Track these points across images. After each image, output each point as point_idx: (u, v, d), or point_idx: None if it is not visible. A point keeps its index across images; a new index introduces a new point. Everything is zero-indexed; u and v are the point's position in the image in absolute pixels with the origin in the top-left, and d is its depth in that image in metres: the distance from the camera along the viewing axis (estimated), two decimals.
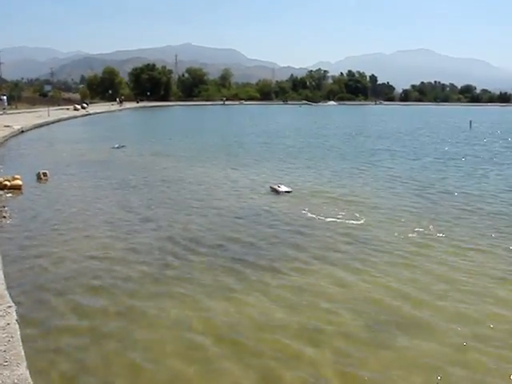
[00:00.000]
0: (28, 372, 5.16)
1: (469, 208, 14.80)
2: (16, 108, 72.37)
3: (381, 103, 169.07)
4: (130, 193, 16.85)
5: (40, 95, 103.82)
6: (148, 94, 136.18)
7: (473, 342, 6.91)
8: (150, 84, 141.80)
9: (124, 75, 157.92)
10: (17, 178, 17.40)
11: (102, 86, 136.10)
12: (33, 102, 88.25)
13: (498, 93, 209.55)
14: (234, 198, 16.23)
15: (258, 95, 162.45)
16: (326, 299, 8.23)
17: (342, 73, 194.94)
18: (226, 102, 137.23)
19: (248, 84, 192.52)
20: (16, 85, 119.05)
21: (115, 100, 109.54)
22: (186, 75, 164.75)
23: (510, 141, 39.16)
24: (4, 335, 5.86)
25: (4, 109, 59.07)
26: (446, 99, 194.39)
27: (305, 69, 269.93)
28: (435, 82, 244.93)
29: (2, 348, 5.57)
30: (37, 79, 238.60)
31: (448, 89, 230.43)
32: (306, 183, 19.02)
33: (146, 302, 8.10)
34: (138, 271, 9.46)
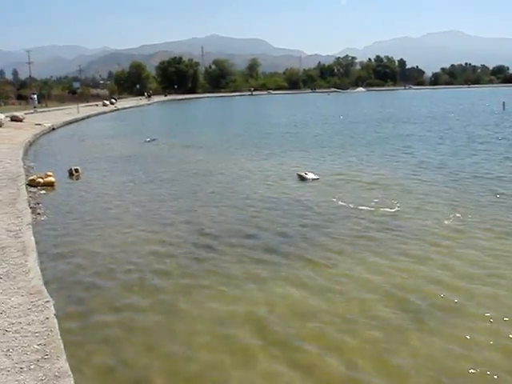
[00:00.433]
0: (67, 365, 5.25)
1: (502, 192, 14.52)
2: (46, 106, 73.35)
3: (410, 88, 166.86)
4: (162, 186, 16.96)
5: (69, 92, 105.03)
6: (175, 86, 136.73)
7: (508, 327, 6.82)
8: (177, 77, 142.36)
9: (151, 69, 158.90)
10: (49, 175, 17.66)
11: (130, 80, 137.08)
12: (62, 100, 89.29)
13: None
14: (263, 187, 16.29)
15: (285, 84, 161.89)
16: (360, 287, 8.19)
17: (369, 58, 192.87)
18: (254, 93, 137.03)
19: (275, 73, 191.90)
20: (45, 83, 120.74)
21: (143, 94, 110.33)
22: (213, 67, 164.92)
23: None
24: (43, 329, 5.97)
25: (35, 107, 59.95)
26: (477, 81, 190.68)
27: (332, 56, 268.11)
28: (466, 63, 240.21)
29: (42, 342, 5.68)
30: (65, 77, 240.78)
31: (479, 70, 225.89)
32: (334, 170, 18.98)
33: (180, 295, 8.15)
34: (171, 265, 9.52)
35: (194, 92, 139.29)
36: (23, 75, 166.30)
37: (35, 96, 63.69)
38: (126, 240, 11.14)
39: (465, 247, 9.94)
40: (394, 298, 7.77)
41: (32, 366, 5.20)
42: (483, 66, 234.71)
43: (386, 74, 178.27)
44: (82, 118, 53.11)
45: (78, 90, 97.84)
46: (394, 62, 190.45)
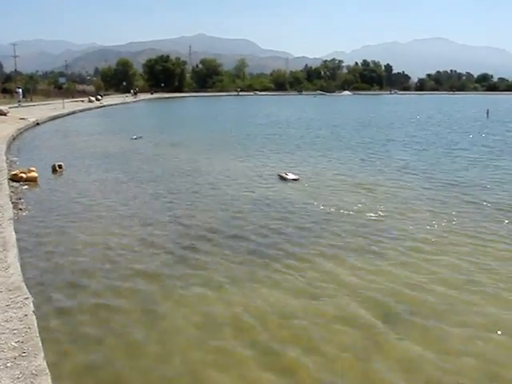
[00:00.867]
0: (45, 362, 5.21)
1: (482, 199, 14.60)
2: (31, 100, 72.66)
3: (396, 93, 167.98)
4: (145, 184, 16.88)
5: (55, 87, 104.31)
6: (162, 85, 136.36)
7: (487, 332, 6.88)
8: (164, 75, 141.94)
9: (138, 67, 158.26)
10: (32, 171, 17.52)
11: (116, 77, 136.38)
12: (48, 95, 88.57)
13: None
14: (244, 188, 16.36)
15: (272, 86, 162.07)
16: (338, 290, 8.21)
17: (356, 62, 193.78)
18: (240, 93, 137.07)
19: (262, 74, 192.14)
20: (31, 77, 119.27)
21: (129, 92, 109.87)
22: (200, 66, 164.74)
23: None
24: (22, 326, 5.92)
25: (19, 101, 59.37)
26: (462, 88, 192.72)
27: (319, 59, 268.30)
28: (451, 70, 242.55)
29: (20, 339, 5.63)
30: (51, 72, 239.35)
31: (464, 78, 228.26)
32: (314, 172, 19.16)
33: (160, 295, 8.13)
34: (153, 263, 9.50)
35: (180, 91, 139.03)
36: (8, 69, 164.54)
37: (20, 90, 63.04)
38: (108, 238, 11.07)
39: (444, 253, 9.98)
40: (372, 301, 7.79)
41: (9, 364, 5.15)
42: (468, 73, 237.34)
43: (372, 78, 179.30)
44: (68, 114, 52.75)
45: (64, 86, 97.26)
46: (380, 66, 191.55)
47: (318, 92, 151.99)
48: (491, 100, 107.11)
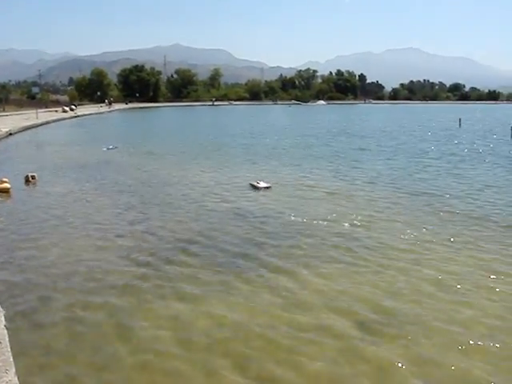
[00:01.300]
0: (17, 378, 5.12)
1: (453, 207, 14.77)
2: (3, 110, 71.84)
3: (370, 102, 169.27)
4: (119, 195, 16.78)
5: (28, 97, 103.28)
6: (137, 95, 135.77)
7: (460, 339, 6.94)
8: (139, 85, 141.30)
9: (113, 76, 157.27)
10: (5, 182, 17.31)
11: (91, 87, 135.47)
12: (20, 105, 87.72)
13: (486, 91, 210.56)
14: (217, 197, 16.53)
15: (247, 95, 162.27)
16: (311, 299, 8.24)
17: (331, 72, 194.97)
18: (216, 103, 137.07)
19: (237, 84, 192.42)
20: (3, 87, 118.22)
21: (104, 102, 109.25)
22: (175, 76, 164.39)
23: (495, 138, 39.18)
24: None
25: None
26: (435, 97, 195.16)
27: (294, 68, 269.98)
28: (424, 80, 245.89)
29: None
30: (24, 81, 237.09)
31: (437, 87, 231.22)
32: (286, 181, 19.45)
33: (130, 308, 8.06)
34: (126, 274, 9.44)
35: (155, 101, 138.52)
36: None
37: None
38: (82, 248, 10.98)
39: (417, 262, 10.07)
40: (345, 310, 7.84)
41: None
42: (441, 83, 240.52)
43: (346, 87, 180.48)
44: (41, 124, 52.26)
45: (38, 96, 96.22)
46: (354, 76, 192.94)
47: (293, 102, 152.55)
48: (463, 109, 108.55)
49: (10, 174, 19.09)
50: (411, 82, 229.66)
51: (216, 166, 23.63)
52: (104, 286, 8.90)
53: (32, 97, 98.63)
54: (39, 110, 65.03)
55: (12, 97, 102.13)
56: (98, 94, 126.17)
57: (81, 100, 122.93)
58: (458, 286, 8.74)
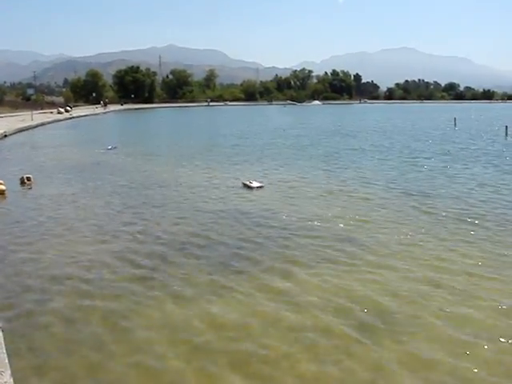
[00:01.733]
0: (12, 380, 5.13)
1: (443, 209, 14.76)
2: None
3: (365, 102, 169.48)
4: (115, 196, 16.80)
5: (23, 99, 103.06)
6: (132, 96, 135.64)
7: (455, 339, 7.00)
8: (134, 86, 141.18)
9: (108, 78, 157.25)
10: (0, 183, 17.29)
11: (86, 88, 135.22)
12: (15, 106, 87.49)
13: (481, 90, 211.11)
14: (211, 196, 16.74)
15: (242, 96, 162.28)
16: (305, 299, 8.28)
17: (326, 72, 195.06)
18: (211, 103, 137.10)
19: (232, 85, 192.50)
20: None
21: (99, 103, 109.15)
22: (171, 77, 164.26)
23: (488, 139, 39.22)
24: None
25: None
26: (430, 97, 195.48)
27: (289, 69, 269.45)
28: (419, 80, 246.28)
29: None
30: (19, 83, 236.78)
31: (432, 87, 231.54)
32: (279, 180, 19.66)
33: (126, 311, 8.06)
34: (122, 275, 9.47)
35: (150, 101, 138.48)
36: None
37: None
38: (78, 250, 11.00)
39: (411, 262, 10.13)
40: (341, 310, 7.89)
41: None
42: (436, 82, 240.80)
43: (341, 87, 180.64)
44: (36, 126, 52.19)
45: (33, 97, 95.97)
46: (349, 76, 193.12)
47: (288, 102, 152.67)
48: (458, 108, 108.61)
49: (5, 176, 19.07)
50: (406, 81, 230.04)
51: (209, 166, 23.75)
52: (100, 287, 8.92)
53: (27, 98, 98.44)
54: (34, 112, 64.90)
55: (7, 98, 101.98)
56: (94, 95, 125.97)
57: (76, 101, 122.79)
58: (453, 285, 8.79)
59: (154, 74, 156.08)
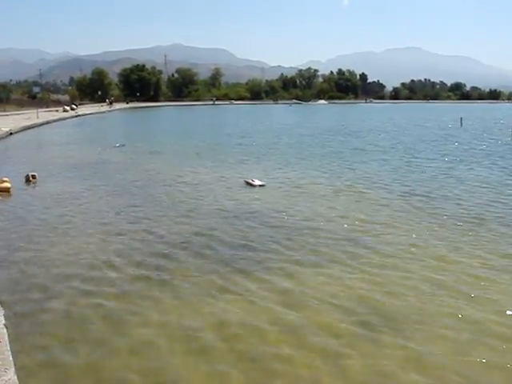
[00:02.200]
0: (16, 377, 5.16)
1: (448, 210, 14.77)
2: (4, 110, 71.71)
3: (371, 101, 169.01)
4: (120, 195, 16.84)
5: (29, 97, 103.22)
6: (138, 94, 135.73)
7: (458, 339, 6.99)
8: (140, 85, 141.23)
9: (113, 76, 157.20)
10: (5, 181, 17.36)
11: (91, 87, 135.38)
12: (21, 104, 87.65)
13: (487, 90, 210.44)
14: (214, 194, 16.88)
15: (248, 95, 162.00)
16: (309, 299, 8.28)
17: (332, 71, 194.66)
18: (216, 102, 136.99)
19: (238, 84, 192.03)
20: (4, 86, 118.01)
21: (105, 101, 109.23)
22: (176, 75, 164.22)
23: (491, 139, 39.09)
24: None
25: None
26: (436, 97, 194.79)
27: (295, 68, 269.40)
28: (425, 79, 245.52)
29: None
30: (25, 81, 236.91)
31: (438, 86, 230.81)
32: (281, 178, 19.80)
33: (127, 310, 8.06)
34: (125, 273, 9.48)
35: (156, 100, 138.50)
36: None
37: None
38: (82, 248, 11.03)
39: (414, 262, 10.12)
40: (344, 310, 7.89)
41: None
42: (442, 82, 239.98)
43: (347, 87, 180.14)
44: (42, 124, 52.28)
45: (38, 95, 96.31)
46: (355, 75, 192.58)
47: (294, 101, 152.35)
48: (464, 108, 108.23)
49: (10, 174, 19.15)
50: (412, 81, 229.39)
51: (213, 164, 23.86)
52: (104, 285, 8.94)
53: (33, 96, 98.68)
54: (40, 110, 65.06)
55: (13, 96, 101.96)
56: (99, 93, 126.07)
57: (81, 99, 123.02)
58: (456, 286, 8.78)
59: (160, 72, 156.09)
